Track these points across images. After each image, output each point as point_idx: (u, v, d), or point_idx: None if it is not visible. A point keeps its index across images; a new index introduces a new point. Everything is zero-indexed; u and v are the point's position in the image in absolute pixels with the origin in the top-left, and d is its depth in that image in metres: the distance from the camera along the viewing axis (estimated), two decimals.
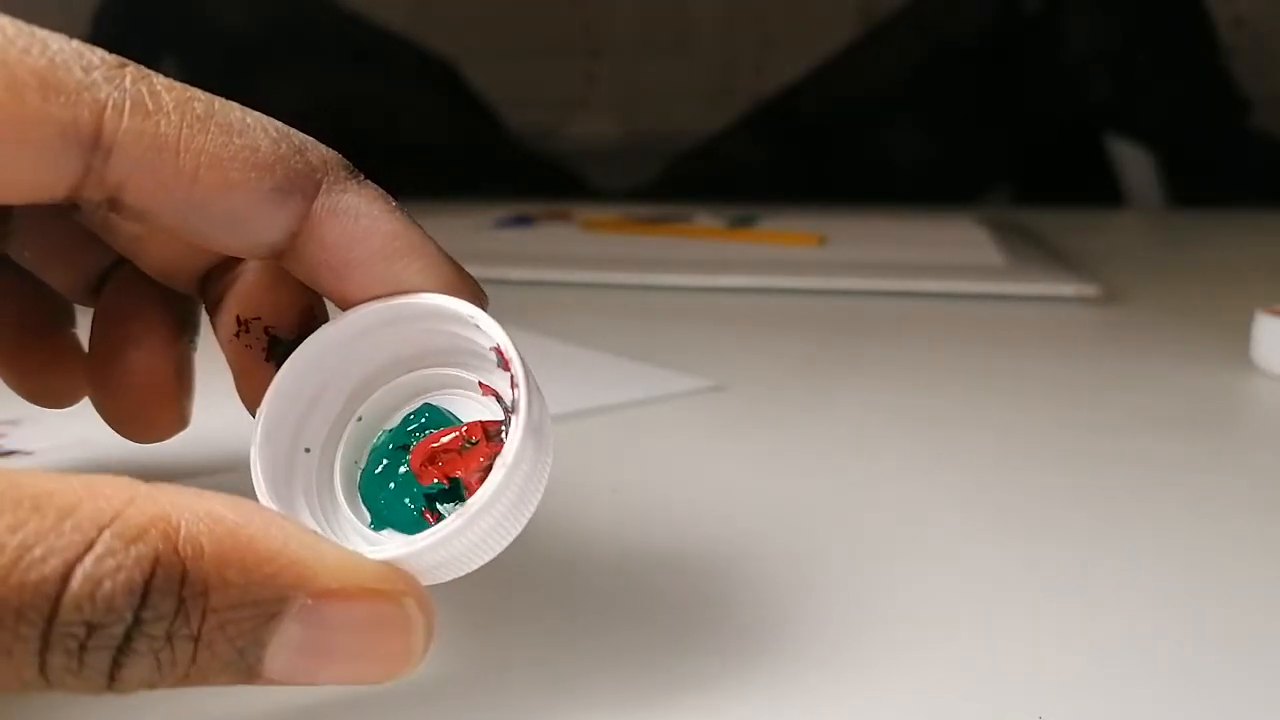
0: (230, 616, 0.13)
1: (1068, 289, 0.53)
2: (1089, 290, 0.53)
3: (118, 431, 0.20)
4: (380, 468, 0.18)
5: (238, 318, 0.19)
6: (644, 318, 0.50)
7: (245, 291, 0.19)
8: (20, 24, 0.14)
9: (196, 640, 0.13)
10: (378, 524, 0.18)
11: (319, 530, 0.16)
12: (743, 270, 0.58)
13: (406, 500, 0.17)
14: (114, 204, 0.15)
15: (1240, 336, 0.40)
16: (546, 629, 0.20)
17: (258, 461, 0.16)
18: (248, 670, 0.13)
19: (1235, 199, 0.95)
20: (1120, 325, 0.49)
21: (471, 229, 0.75)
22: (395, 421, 0.18)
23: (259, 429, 0.17)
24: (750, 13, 1.09)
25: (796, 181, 1.08)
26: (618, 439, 0.32)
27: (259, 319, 0.18)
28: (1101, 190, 1.03)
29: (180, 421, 0.20)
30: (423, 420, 0.18)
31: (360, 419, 0.18)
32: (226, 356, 0.19)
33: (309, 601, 0.13)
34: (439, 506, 0.17)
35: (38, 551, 0.12)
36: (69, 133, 0.14)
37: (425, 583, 0.15)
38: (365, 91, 1.10)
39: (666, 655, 0.19)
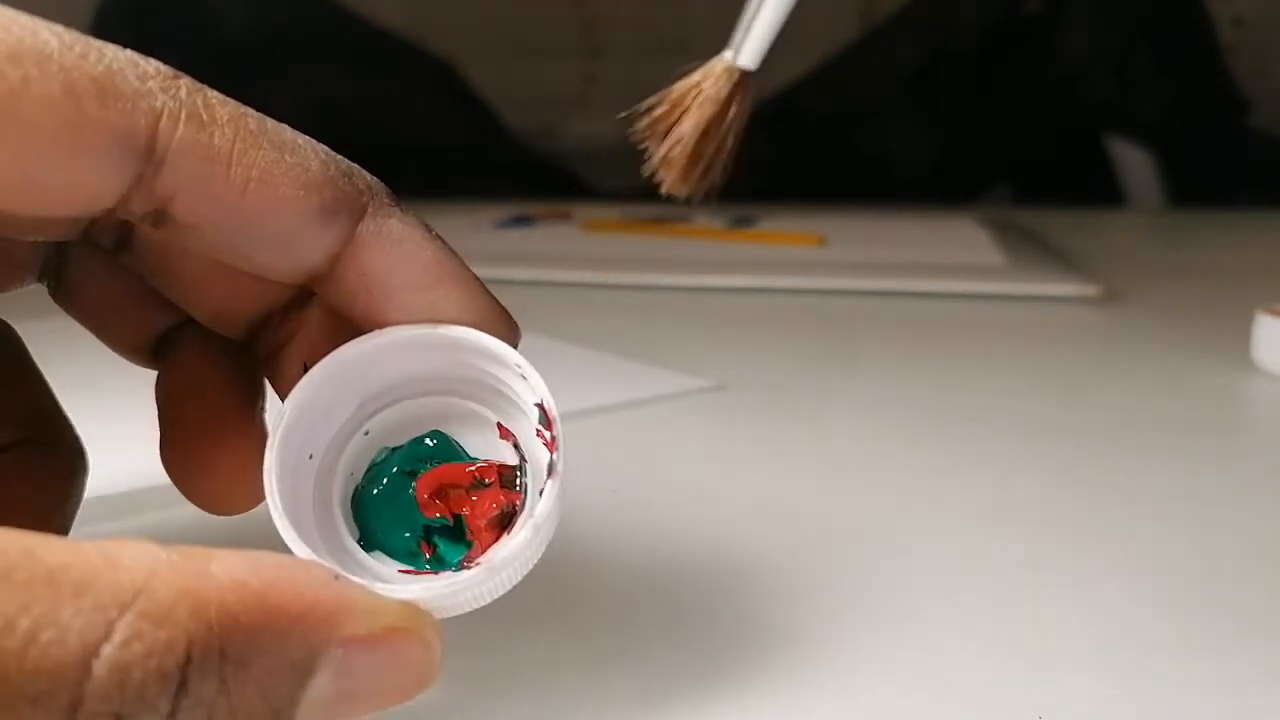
0: (268, 682, 0.12)
1: (1068, 289, 0.53)
2: (1089, 290, 0.53)
3: (202, 507, 0.19)
4: (381, 488, 0.18)
5: (305, 365, 0.18)
6: (644, 318, 0.50)
7: (313, 339, 0.18)
8: (75, 32, 0.14)
9: (234, 713, 0.12)
10: (367, 544, 0.17)
11: (319, 548, 0.16)
12: (743, 270, 0.58)
13: (405, 529, 0.17)
14: (159, 216, 0.15)
15: (1240, 336, 0.40)
16: (545, 628, 0.20)
17: (273, 468, 0.16)
18: None
19: (1235, 199, 0.95)
20: (1120, 325, 0.49)
21: (471, 229, 0.75)
22: (400, 441, 0.18)
23: (278, 434, 0.16)
24: None
25: (796, 181, 1.08)
26: (618, 439, 0.32)
27: None
28: (1101, 190, 1.03)
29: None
30: (431, 445, 0.18)
31: (367, 433, 0.18)
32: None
33: (339, 652, 0.13)
34: (436, 539, 0.17)
35: (53, 633, 0.11)
36: (125, 140, 0.14)
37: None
38: (365, 91, 1.10)
39: (666, 654, 0.19)
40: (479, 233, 0.74)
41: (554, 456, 0.16)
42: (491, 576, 0.16)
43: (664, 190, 0.16)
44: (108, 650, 0.11)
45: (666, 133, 0.16)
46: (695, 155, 0.16)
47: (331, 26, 1.12)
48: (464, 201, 0.90)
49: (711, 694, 0.18)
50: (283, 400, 0.19)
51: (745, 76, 0.17)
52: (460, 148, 1.12)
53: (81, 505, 0.21)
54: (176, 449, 0.19)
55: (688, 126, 0.16)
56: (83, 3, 1.03)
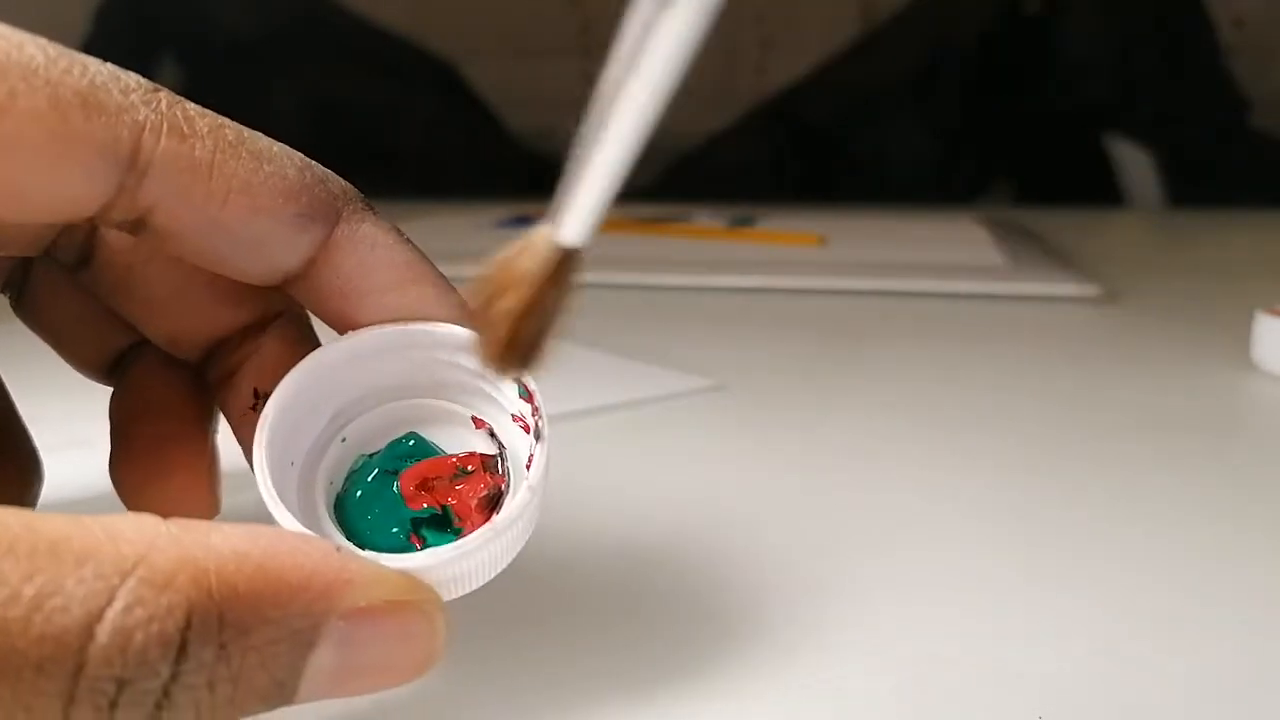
0: (269, 651, 0.12)
1: (1068, 289, 0.53)
2: (1089, 290, 0.53)
3: None
4: (363, 492, 0.18)
5: (255, 390, 0.18)
6: (644, 318, 0.50)
7: (264, 364, 0.19)
8: (59, 46, 0.15)
9: (236, 681, 0.12)
10: (357, 546, 0.17)
11: None
12: (743, 270, 0.58)
13: (392, 524, 0.17)
14: (138, 225, 0.16)
15: (1240, 336, 0.40)
16: (545, 628, 0.20)
17: (265, 465, 0.16)
18: (282, 698, 0.13)
19: (1235, 199, 0.95)
20: (1120, 325, 0.49)
21: (471, 229, 0.75)
22: (378, 447, 0.18)
23: (264, 432, 0.16)
24: (750, 13, 1.09)
25: (796, 181, 1.08)
26: (618, 439, 0.32)
27: None
28: (1101, 190, 1.03)
29: (215, 509, 0.20)
30: (408, 446, 0.18)
31: (344, 440, 0.18)
32: (234, 428, 0.19)
33: (341, 623, 0.13)
34: (424, 531, 0.18)
35: (57, 600, 0.11)
36: (108, 152, 0.15)
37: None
38: (366, 92, 1.10)
39: (665, 654, 0.19)
40: (479, 233, 0.74)
41: (539, 423, 0.17)
42: (497, 538, 0.16)
43: (484, 365, 0.16)
44: (110, 615, 0.11)
45: (488, 310, 0.15)
46: (513, 336, 0.15)
47: (331, 26, 1.12)
48: (464, 201, 0.90)
49: (709, 692, 0.18)
50: (231, 425, 0.19)
51: (570, 253, 0.15)
52: (460, 148, 1.12)
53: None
54: (126, 466, 0.19)
55: (505, 306, 0.15)
56: (82, 2, 1.03)
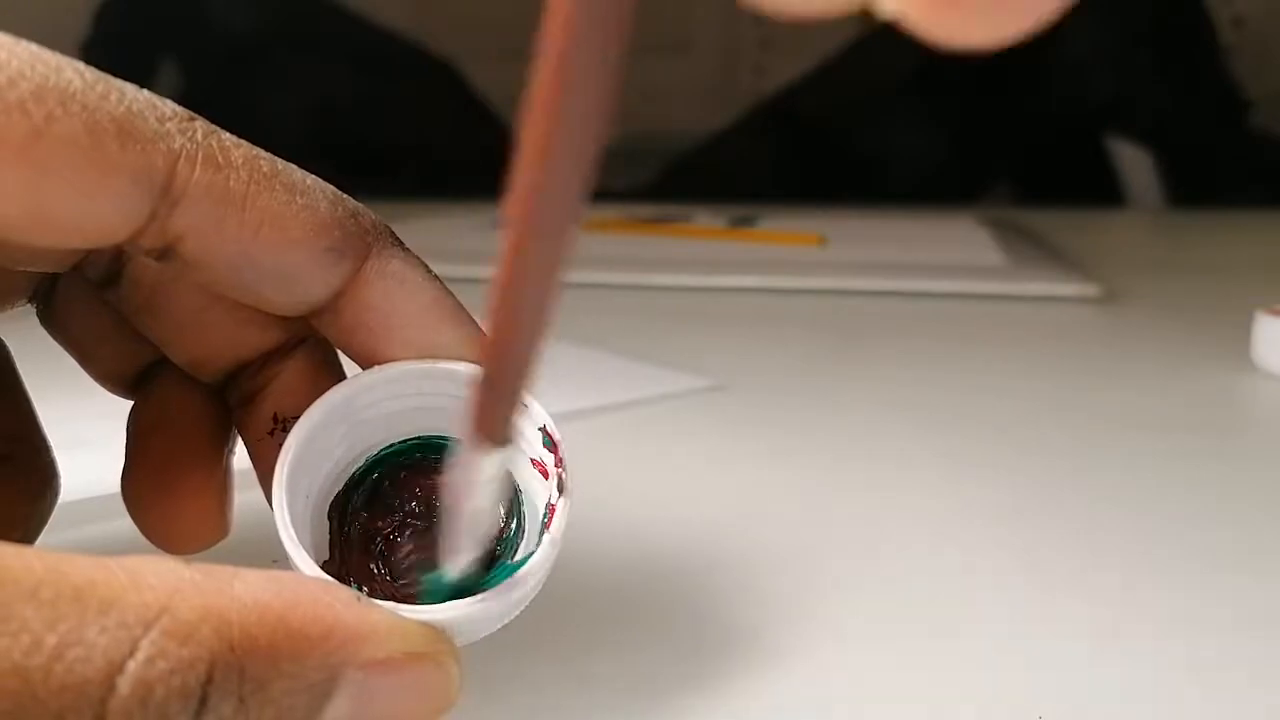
0: (286, 704, 0.12)
1: (1068, 289, 0.53)
2: (1089, 290, 0.53)
3: (155, 542, 0.19)
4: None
5: (275, 415, 0.18)
6: (644, 318, 0.50)
7: (286, 390, 0.19)
8: (97, 71, 0.15)
9: None
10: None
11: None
12: (743, 270, 0.58)
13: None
14: (167, 252, 0.16)
15: (1240, 336, 0.40)
16: (544, 628, 0.20)
17: (284, 505, 0.16)
18: None
19: (1235, 199, 0.95)
20: (1120, 325, 0.49)
21: (471, 229, 0.75)
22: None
23: (285, 468, 0.16)
24: (750, 13, 1.09)
25: (796, 181, 1.08)
26: (618, 439, 0.32)
27: (297, 418, 0.18)
28: (1101, 190, 1.03)
29: (223, 532, 0.20)
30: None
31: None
32: (252, 453, 0.19)
33: (358, 674, 0.13)
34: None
35: (79, 650, 0.11)
36: (142, 180, 0.14)
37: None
38: (366, 91, 1.10)
39: (664, 655, 0.19)
40: (479, 233, 0.74)
41: (563, 475, 0.17)
42: (516, 589, 0.16)
43: None
44: (132, 667, 0.11)
45: None
46: None
47: (331, 26, 1.12)
48: (464, 201, 0.90)
49: (708, 693, 0.18)
50: (249, 449, 0.19)
51: None
52: (460, 148, 1.12)
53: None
54: (138, 482, 0.19)
55: None
56: (81, 2, 1.03)
